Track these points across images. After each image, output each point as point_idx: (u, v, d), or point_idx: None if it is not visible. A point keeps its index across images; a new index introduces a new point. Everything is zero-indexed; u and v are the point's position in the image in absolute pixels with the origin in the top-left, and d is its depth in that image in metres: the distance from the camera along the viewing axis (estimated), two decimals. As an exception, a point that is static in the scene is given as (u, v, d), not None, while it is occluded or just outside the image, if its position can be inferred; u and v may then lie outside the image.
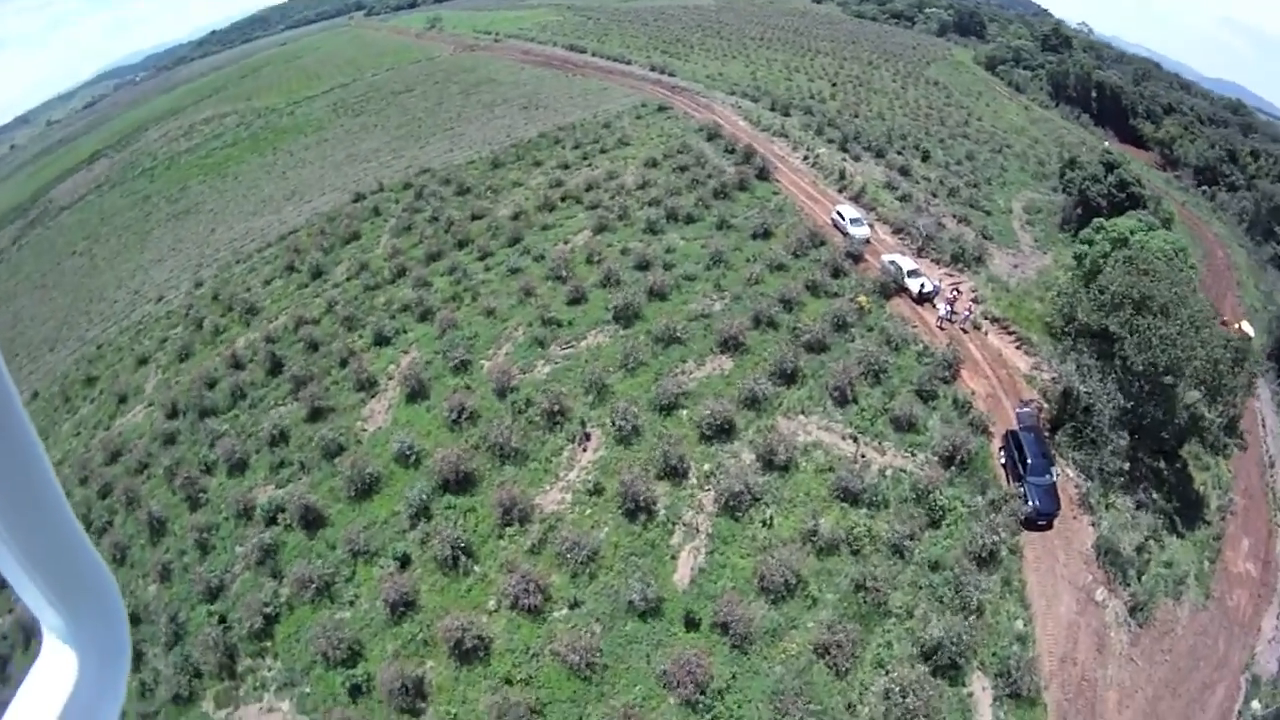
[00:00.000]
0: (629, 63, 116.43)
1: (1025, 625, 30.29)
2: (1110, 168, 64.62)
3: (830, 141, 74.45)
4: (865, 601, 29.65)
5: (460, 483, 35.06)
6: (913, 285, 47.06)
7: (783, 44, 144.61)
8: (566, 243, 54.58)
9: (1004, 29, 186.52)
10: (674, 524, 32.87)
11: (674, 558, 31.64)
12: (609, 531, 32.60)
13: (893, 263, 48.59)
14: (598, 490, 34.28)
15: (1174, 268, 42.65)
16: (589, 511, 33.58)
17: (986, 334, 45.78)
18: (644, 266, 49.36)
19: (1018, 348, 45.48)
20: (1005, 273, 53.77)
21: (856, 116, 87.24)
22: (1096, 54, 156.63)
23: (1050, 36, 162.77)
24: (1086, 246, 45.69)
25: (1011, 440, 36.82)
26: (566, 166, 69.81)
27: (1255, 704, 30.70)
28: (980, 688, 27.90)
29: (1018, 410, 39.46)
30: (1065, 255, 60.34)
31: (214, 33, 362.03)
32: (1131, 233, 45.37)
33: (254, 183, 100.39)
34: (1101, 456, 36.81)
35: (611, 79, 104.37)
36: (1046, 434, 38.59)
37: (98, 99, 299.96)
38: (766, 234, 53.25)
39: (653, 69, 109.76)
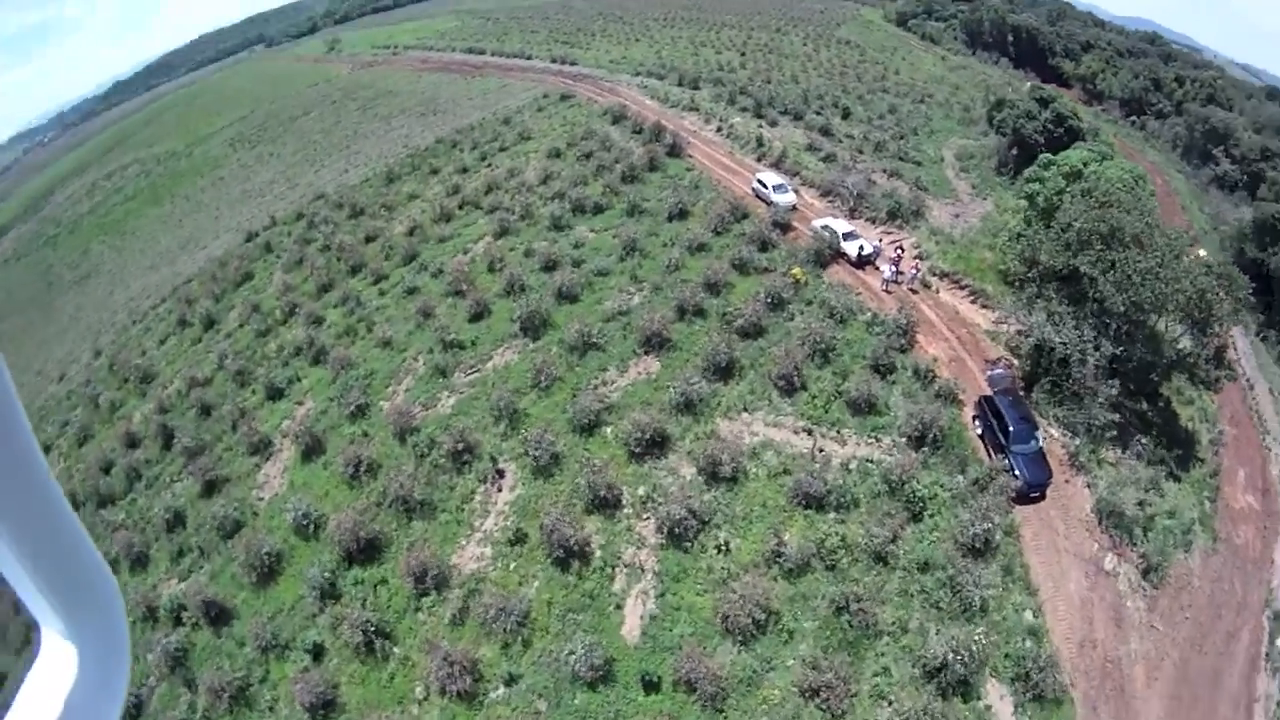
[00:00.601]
0: (529, 58, 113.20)
1: (1035, 616, 26.43)
2: (1044, 103, 60.74)
3: (744, 110, 69.89)
4: (851, 624, 25.15)
5: (365, 551, 30.22)
6: (850, 249, 42.38)
7: (687, 21, 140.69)
8: (466, 252, 50.03)
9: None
10: (613, 566, 27.92)
11: (619, 607, 26.80)
12: (539, 586, 27.67)
13: (825, 227, 43.85)
14: (519, 538, 29.29)
15: (1137, 196, 38.46)
16: (513, 565, 28.68)
17: (938, 292, 41.27)
18: (551, 267, 44.61)
19: (974, 302, 41.12)
20: (947, 224, 49.39)
21: (769, 82, 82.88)
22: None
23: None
24: (1037, 185, 41.19)
25: (986, 407, 32.26)
26: (465, 171, 65.48)
27: (1280, 641, 28.76)
28: (998, 698, 24.11)
29: (988, 373, 34.90)
30: (1007, 199, 56.44)
31: (119, 83, 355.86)
32: (1085, 164, 41.01)
33: (151, 235, 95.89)
34: (1088, 411, 32.57)
35: (511, 76, 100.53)
36: (1023, 394, 34.04)
37: (8, 166, 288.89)
38: (683, 214, 48.27)
39: (554, 61, 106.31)
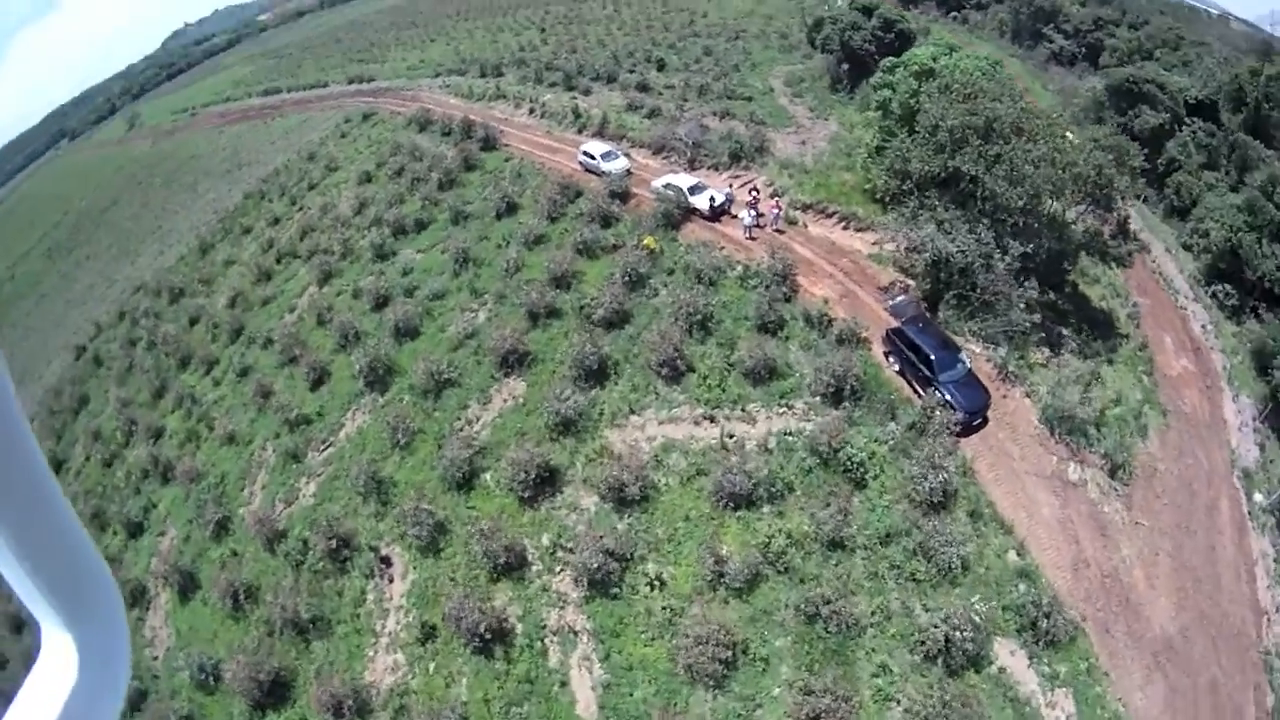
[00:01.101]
0: (326, 85, 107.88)
1: (1020, 555, 23.63)
2: (867, 11, 57.44)
3: (553, 85, 64.81)
4: (827, 630, 21.41)
5: (272, 693, 25.25)
6: (700, 202, 37.93)
7: (481, 12, 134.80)
8: (292, 310, 44.44)
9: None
10: (540, 639, 23.30)
11: (564, 684, 22.32)
12: (469, 684, 23.03)
13: (668, 185, 39.26)
14: (428, 633, 24.55)
15: (1000, 84, 35.30)
16: (432, 667, 23.94)
17: (805, 227, 37.37)
18: (382, 303, 39.14)
19: (846, 228, 37.43)
20: (795, 154, 45.44)
21: (574, 52, 77.88)
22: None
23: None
24: (888, 91, 37.32)
25: (898, 340, 28.43)
26: (277, 221, 59.78)
27: (1258, 496, 28.63)
28: (1009, 655, 21.46)
29: (889, 303, 31.09)
30: (850, 114, 53.27)
31: None
32: (934, 60, 37.39)
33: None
34: (1006, 317, 29.39)
35: (311, 108, 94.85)
36: (930, 317, 30.35)
37: None
38: (511, 208, 43.04)
39: (351, 81, 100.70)
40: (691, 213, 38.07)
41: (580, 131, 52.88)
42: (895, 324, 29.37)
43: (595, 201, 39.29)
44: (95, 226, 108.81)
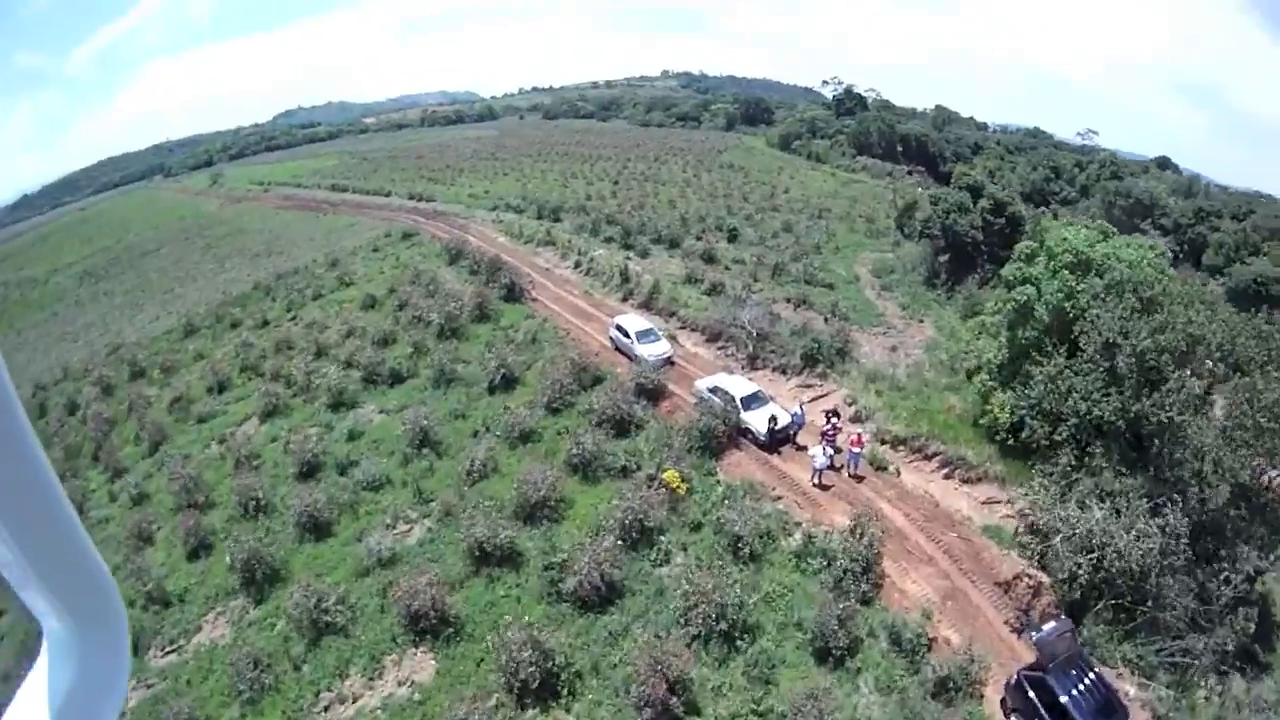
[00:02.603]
0: (388, 194, 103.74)
1: None
2: (975, 191, 48.55)
3: (609, 240, 56.25)
4: None
5: None
6: (756, 421, 27.69)
7: (561, 156, 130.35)
8: (222, 440, 35.71)
9: (791, 111, 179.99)
10: None
11: None
12: None
13: (715, 390, 29.25)
14: None
15: (1190, 290, 25.59)
16: None
17: (899, 473, 26.65)
18: (309, 471, 30.17)
19: (949, 476, 26.81)
20: (884, 363, 35.51)
21: (642, 208, 69.95)
22: (891, 111, 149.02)
23: (844, 100, 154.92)
24: (1030, 289, 26.99)
25: (1034, 695, 17.50)
26: (265, 325, 52.32)
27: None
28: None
29: (1033, 636, 19.43)
30: (948, 317, 43.52)
31: (25, 196, 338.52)
32: (1091, 245, 27.37)
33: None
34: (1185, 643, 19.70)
35: (364, 213, 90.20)
36: (1088, 656, 19.14)
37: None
38: (509, 383, 33.36)
39: (411, 197, 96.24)
40: (743, 434, 27.90)
41: (625, 299, 43.68)
42: (1033, 661, 18.35)
43: (614, 397, 29.03)
44: (128, 266, 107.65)
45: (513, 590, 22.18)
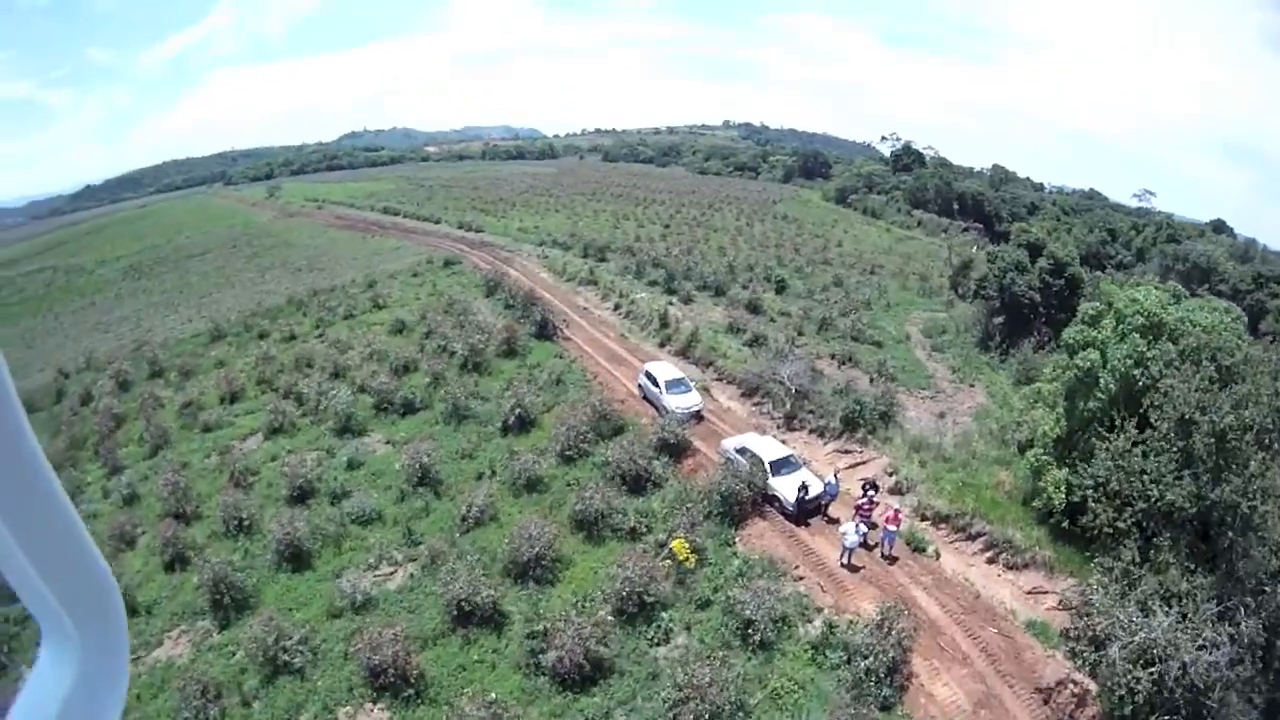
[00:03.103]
0: (438, 222, 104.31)
1: None
2: (1035, 250, 45.92)
3: (653, 284, 54.41)
4: None
5: None
6: (785, 488, 25.11)
7: (615, 197, 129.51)
8: (222, 453, 34.32)
9: (849, 165, 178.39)
10: None
11: None
12: None
13: (743, 450, 26.80)
14: None
15: (1275, 358, 22.83)
16: None
17: (938, 556, 23.98)
18: (301, 496, 28.64)
19: (993, 561, 24.01)
20: (930, 429, 32.84)
21: (690, 253, 68.11)
22: (949, 169, 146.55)
23: (901, 156, 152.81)
24: (1094, 354, 24.20)
25: None
26: (293, 338, 51.38)
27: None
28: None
29: None
30: (1000, 381, 40.79)
31: (89, 187, 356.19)
32: (1163, 307, 24.64)
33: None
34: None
35: (411, 238, 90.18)
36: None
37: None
38: (525, 424, 31.37)
39: (460, 226, 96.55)
40: (769, 501, 25.45)
41: (663, 345, 41.69)
42: None
43: (632, 450, 26.76)
44: (172, 266, 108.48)
45: (489, 655, 20.03)
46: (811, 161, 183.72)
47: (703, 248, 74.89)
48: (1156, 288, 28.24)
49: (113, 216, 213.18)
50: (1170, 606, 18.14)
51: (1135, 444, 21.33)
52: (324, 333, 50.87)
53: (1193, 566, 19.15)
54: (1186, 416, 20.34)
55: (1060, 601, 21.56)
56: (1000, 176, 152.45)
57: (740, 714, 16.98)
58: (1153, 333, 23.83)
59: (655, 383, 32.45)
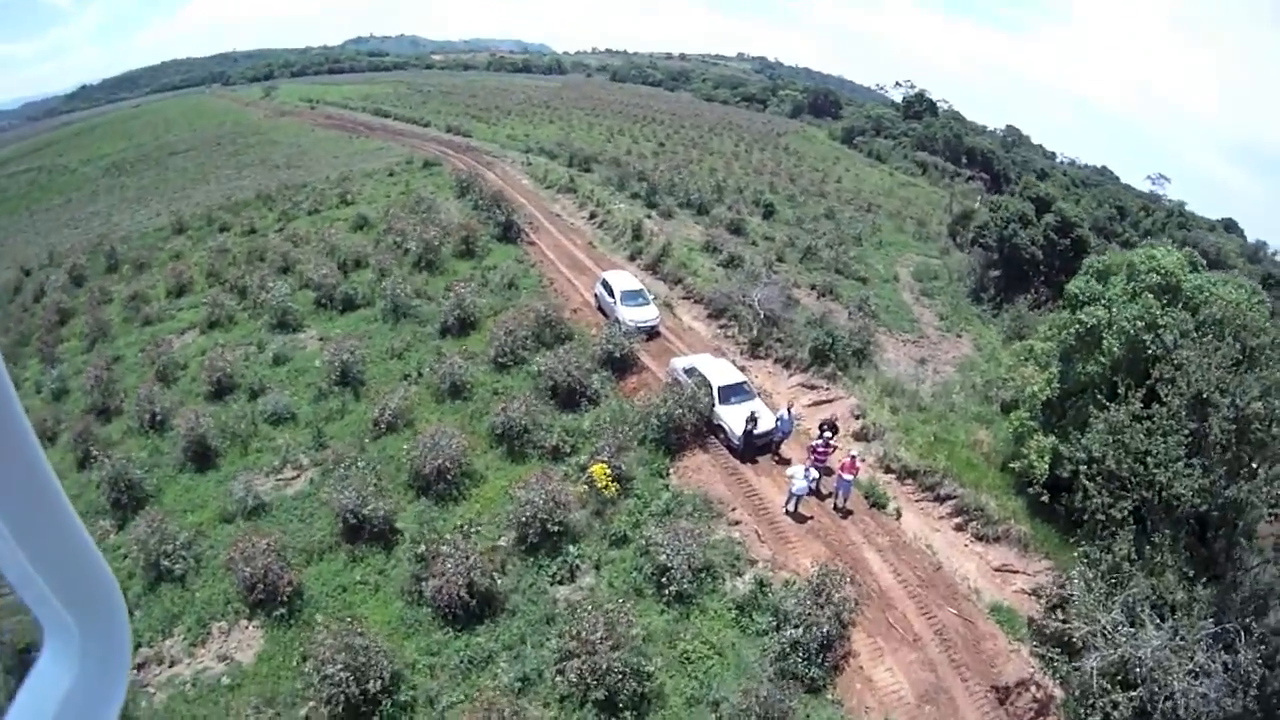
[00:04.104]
0: (427, 125, 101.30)
1: None
2: (1043, 205, 42.61)
3: (634, 196, 50.82)
4: None
5: None
6: (732, 419, 22.25)
7: (614, 114, 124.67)
8: (157, 345, 32.17)
9: (860, 108, 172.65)
10: None
11: None
12: None
13: (691, 371, 23.89)
14: None
15: None
16: None
17: (899, 515, 21.21)
18: (221, 391, 26.64)
19: (963, 529, 21.31)
20: (908, 376, 29.98)
21: (679, 170, 64.32)
22: (961, 122, 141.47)
23: (914, 103, 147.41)
24: (1101, 311, 21.20)
25: None
26: (252, 232, 49.23)
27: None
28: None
29: None
30: (990, 336, 37.89)
31: (84, 87, 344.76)
32: (1182, 269, 21.57)
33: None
34: None
35: (397, 139, 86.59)
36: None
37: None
38: (464, 326, 28.50)
39: (448, 130, 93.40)
40: (714, 431, 22.62)
41: (633, 258, 38.50)
42: None
43: (569, 361, 23.77)
44: (154, 163, 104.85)
45: (374, 577, 17.55)
46: (822, 99, 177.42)
47: (694, 168, 71.18)
48: (1177, 251, 24.95)
49: (105, 117, 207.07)
50: (1162, 619, 15.38)
51: (1138, 419, 18.35)
52: (284, 227, 48.42)
53: (1191, 574, 16.42)
54: (1204, 395, 17.53)
55: (1034, 589, 18.84)
56: (1013, 138, 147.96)
57: (636, 679, 14.18)
58: (1168, 296, 20.75)
59: (610, 292, 29.38)
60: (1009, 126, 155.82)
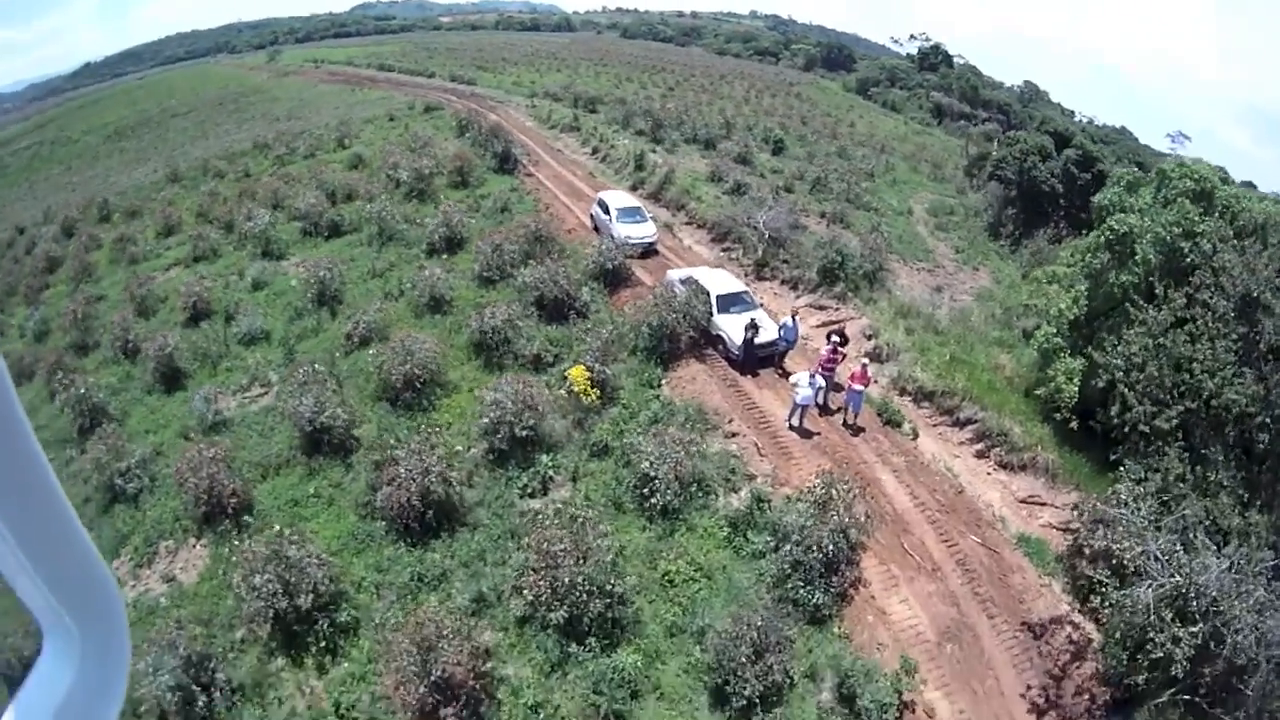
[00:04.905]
0: (431, 75, 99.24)
1: None
2: (1063, 140, 40.52)
3: (639, 133, 48.71)
4: None
5: None
6: (730, 328, 20.58)
7: (621, 64, 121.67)
8: (142, 283, 31.10)
9: (875, 61, 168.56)
10: None
11: None
12: None
13: (689, 281, 22.14)
14: None
15: None
16: None
17: (915, 435, 19.46)
18: (197, 316, 26.05)
19: (984, 455, 19.44)
20: (923, 300, 28.08)
21: (688, 110, 62.01)
22: (976, 75, 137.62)
23: (929, 55, 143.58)
24: (1132, 218, 19.15)
25: None
26: (247, 176, 49.07)
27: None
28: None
29: None
30: (1010, 272, 36.04)
31: (88, 65, 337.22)
32: (1218, 179, 19.73)
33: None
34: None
35: (401, 90, 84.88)
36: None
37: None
38: (451, 246, 26.96)
39: (452, 79, 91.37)
40: (713, 343, 20.89)
41: (635, 188, 36.54)
42: None
43: (557, 272, 21.98)
44: (156, 126, 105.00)
45: (329, 490, 15.96)
46: (836, 53, 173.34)
47: (703, 109, 68.75)
48: (1207, 164, 22.88)
49: (109, 90, 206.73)
50: (1217, 547, 13.40)
51: (1180, 321, 16.45)
52: (278, 171, 47.34)
53: (1246, 497, 14.54)
54: (1254, 295, 15.50)
55: (1072, 518, 16.91)
56: (1030, 94, 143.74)
57: (604, 600, 12.50)
58: (1203, 204, 18.77)
59: (606, 210, 27.72)
60: (1026, 82, 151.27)
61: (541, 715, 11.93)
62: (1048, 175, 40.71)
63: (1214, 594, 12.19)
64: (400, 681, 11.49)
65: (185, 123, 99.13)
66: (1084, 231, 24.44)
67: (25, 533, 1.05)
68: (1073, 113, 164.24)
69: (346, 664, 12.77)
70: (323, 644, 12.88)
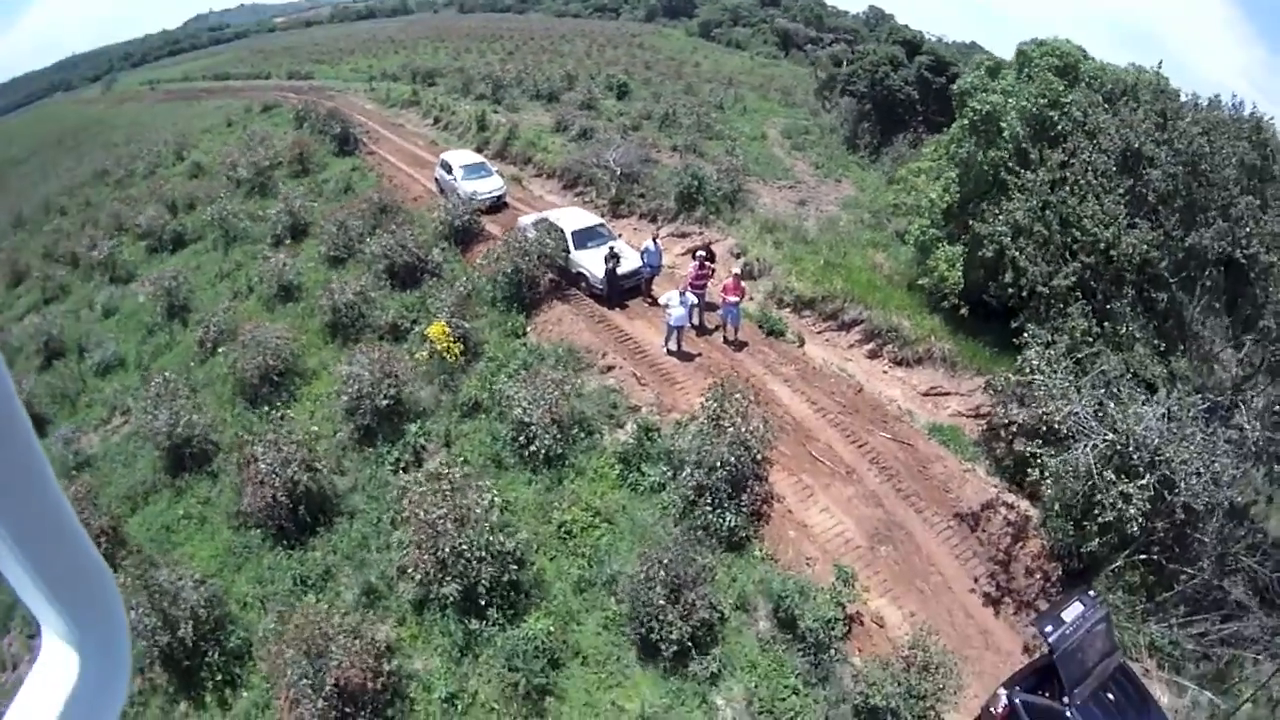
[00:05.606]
0: (268, 77, 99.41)
1: None
2: (913, 48, 40.70)
3: (480, 98, 47.21)
4: None
5: None
6: (590, 263, 20.03)
7: (460, 38, 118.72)
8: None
9: (715, 4, 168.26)
10: None
11: None
12: None
13: (542, 223, 21.30)
14: None
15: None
16: None
17: (802, 342, 18.94)
18: (52, 357, 24.85)
19: (876, 356, 19.29)
20: (789, 214, 27.60)
21: (528, 70, 60.47)
22: (820, 5, 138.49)
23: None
24: (996, 98, 18.66)
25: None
26: (89, 205, 47.88)
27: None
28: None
29: (1043, 626, 10.72)
30: (873, 180, 35.96)
31: None
32: (1083, 56, 19.56)
33: None
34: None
35: (239, 95, 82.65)
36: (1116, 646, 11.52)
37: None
38: (296, 233, 25.86)
39: (290, 76, 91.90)
40: (575, 282, 20.05)
41: (480, 150, 35.17)
42: (1035, 665, 11.35)
43: (405, 238, 20.68)
44: None
45: (198, 508, 14.58)
46: (677, 1, 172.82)
47: (545, 67, 67.33)
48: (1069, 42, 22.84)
49: None
50: (1145, 398, 13.05)
51: (1059, 183, 16.14)
52: (119, 194, 45.67)
53: (1163, 346, 14.32)
54: (1135, 147, 15.28)
55: (982, 403, 16.55)
56: (876, 17, 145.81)
57: (500, 563, 11.53)
58: (1069, 78, 18.52)
59: (449, 170, 26.59)
60: (871, 7, 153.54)
61: (459, 706, 11.00)
62: (901, 83, 40.86)
63: (1155, 443, 11.90)
64: (293, 699, 10.31)
65: (27, 168, 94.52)
66: (945, 131, 24.26)
67: (25, 533, 1.02)
68: (921, 33, 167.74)
69: (247, 693, 11.66)
70: (218, 676, 11.83)
